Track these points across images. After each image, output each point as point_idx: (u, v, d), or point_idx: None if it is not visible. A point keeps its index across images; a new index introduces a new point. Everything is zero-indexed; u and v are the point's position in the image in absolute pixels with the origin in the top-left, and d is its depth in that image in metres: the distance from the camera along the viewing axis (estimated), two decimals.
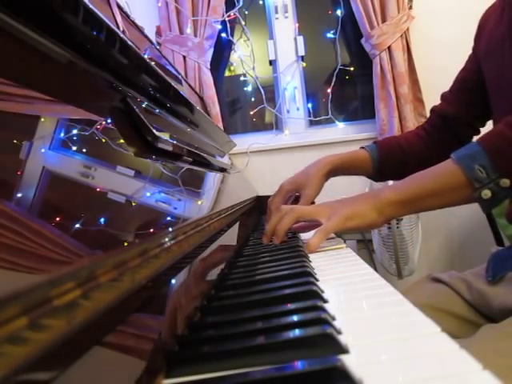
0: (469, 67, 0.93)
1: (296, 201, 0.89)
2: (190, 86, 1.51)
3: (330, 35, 2.08)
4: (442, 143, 0.95)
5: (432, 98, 1.93)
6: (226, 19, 1.96)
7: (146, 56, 0.52)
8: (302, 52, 2.04)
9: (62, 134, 0.33)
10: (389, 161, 0.94)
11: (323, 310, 0.34)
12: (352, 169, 0.94)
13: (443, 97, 0.99)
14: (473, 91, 0.90)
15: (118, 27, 0.65)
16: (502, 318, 0.65)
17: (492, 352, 0.53)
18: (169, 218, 0.43)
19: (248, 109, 2.18)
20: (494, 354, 0.53)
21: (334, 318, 0.33)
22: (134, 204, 0.38)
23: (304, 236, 0.86)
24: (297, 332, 0.29)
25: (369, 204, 0.66)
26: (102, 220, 0.30)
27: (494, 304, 0.71)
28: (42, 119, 0.32)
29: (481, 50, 0.87)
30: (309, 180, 0.86)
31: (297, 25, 2.06)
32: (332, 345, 0.27)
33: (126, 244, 0.31)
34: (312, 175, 0.87)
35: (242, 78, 2.12)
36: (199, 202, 0.59)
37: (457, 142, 0.92)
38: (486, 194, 0.61)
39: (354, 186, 1.68)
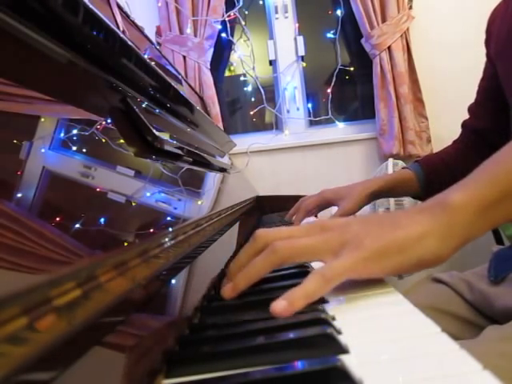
0: (487, 75, 0.92)
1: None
2: (190, 86, 1.51)
3: (330, 35, 2.08)
4: (481, 156, 0.94)
5: (432, 98, 1.93)
6: (226, 19, 1.96)
7: (146, 56, 0.52)
8: (302, 52, 2.04)
9: (62, 134, 0.33)
10: (436, 178, 0.91)
11: (323, 310, 0.34)
12: (399, 190, 0.90)
13: (470, 110, 0.97)
14: (498, 100, 0.88)
15: (118, 27, 0.65)
16: (505, 319, 0.64)
17: (497, 354, 0.53)
18: (169, 218, 0.43)
19: (248, 109, 2.18)
20: (500, 356, 0.52)
21: (333, 318, 0.33)
22: (133, 204, 0.38)
23: None
24: (297, 332, 0.29)
25: (427, 223, 0.37)
26: (102, 220, 0.30)
27: (496, 304, 0.70)
28: (42, 119, 0.32)
29: (491, 52, 0.86)
30: (352, 194, 0.83)
31: (297, 25, 2.06)
32: (332, 345, 0.27)
33: (125, 244, 0.31)
34: (356, 191, 0.84)
35: (242, 78, 2.13)
36: (199, 202, 0.59)
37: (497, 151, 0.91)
38: None
39: (353, 181, 1.68)
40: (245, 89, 2.15)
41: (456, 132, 1.01)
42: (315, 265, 0.55)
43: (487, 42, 0.90)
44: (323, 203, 0.85)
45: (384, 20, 1.86)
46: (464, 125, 0.99)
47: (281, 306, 0.32)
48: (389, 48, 1.86)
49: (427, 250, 0.36)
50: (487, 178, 0.40)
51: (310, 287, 0.34)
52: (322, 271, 0.35)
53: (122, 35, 0.43)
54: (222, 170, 0.93)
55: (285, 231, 0.40)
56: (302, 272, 0.47)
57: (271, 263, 0.37)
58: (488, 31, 0.90)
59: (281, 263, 0.38)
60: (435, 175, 0.91)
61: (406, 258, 0.36)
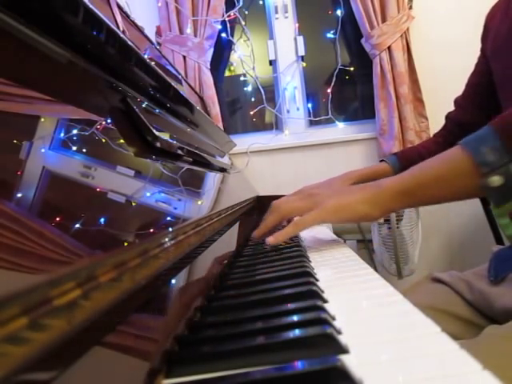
0: (479, 70, 0.92)
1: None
2: (190, 86, 1.51)
3: (330, 35, 2.08)
4: None
5: (432, 98, 1.93)
6: (226, 19, 1.96)
7: (146, 56, 0.52)
8: (302, 52, 2.04)
9: (62, 134, 0.33)
10: None
11: (323, 309, 0.34)
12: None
13: (457, 103, 0.98)
14: (486, 95, 0.89)
15: (118, 27, 0.65)
16: (504, 319, 0.64)
17: (497, 354, 0.53)
18: (169, 218, 0.43)
19: (248, 109, 2.18)
20: (499, 356, 0.52)
21: (334, 318, 0.33)
22: (134, 204, 0.38)
23: (303, 234, 0.86)
24: (297, 332, 0.29)
25: (363, 194, 0.61)
26: (102, 220, 0.30)
27: (495, 304, 0.70)
28: (42, 119, 0.32)
29: (488, 48, 0.86)
30: (331, 187, 0.85)
31: (297, 25, 2.06)
32: (332, 345, 0.27)
33: (126, 244, 0.31)
34: (336, 184, 0.88)
35: (242, 78, 2.12)
36: (199, 202, 0.59)
37: None
38: (495, 180, 0.53)
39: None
40: (245, 89, 2.15)
41: None
42: (315, 265, 0.55)
43: (484, 38, 0.90)
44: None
45: (384, 20, 1.86)
46: (448, 116, 0.99)
47: (270, 239, 0.62)
48: (389, 48, 1.86)
49: (362, 210, 0.60)
50: (408, 174, 0.61)
51: (288, 230, 0.62)
52: (296, 221, 0.62)
53: (122, 35, 0.43)
54: (222, 170, 0.93)
55: (285, 200, 0.69)
56: (300, 272, 0.47)
57: (277, 218, 0.67)
58: (486, 27, 0.90)
59: (281, 218, 0.67)
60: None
61: (350, 213, 0.61)
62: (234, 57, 2.09)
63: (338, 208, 0.61)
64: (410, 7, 1.89)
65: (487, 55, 0.87)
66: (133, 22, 0.81)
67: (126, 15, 0.76)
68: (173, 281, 0.36)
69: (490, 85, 0.86)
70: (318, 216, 0.61)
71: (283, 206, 0.67)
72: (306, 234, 0.89)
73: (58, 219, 0.26)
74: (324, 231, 0.92)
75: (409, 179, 0.60)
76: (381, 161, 0.98)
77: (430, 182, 0.59)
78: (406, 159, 0.94)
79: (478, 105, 0.92)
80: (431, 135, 1.86)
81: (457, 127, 0.96)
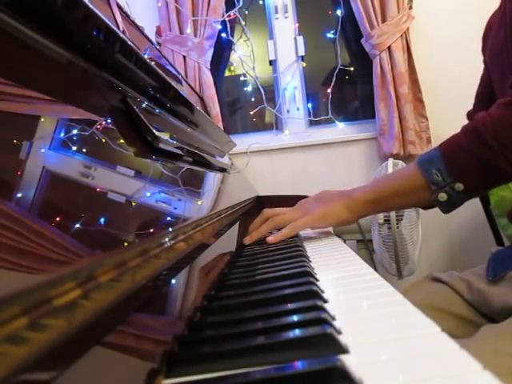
0: (484, 80, 0.93)
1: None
2: (190, 86, 1.51)
3: (330, 35, 2.08)
4: None
5: (432, 98, 1.93)
6: (226, 19, 1.96)
7: (146, 56, 0.52)
8: (302, 52, 2.04)
9: (62, 134, 0.33)
10: None
11: (323, 309, 0.34)
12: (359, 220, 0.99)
13: (469, 115, 1.00)
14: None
15: (118, 27, 0.65)
16: (503, 318, 0.64)
17: (492, 352, 0.53)
18: (169, 218, 0.43)
19: (248, 109, 2.18)
20: (495, 354, 0.53)
21: (334, 318, 0.33)
22: (134, 204, 0.38)
23: (303, 234, 0.86)
24: (297, 332, 0.29)
25: (341, 204, 0.74)
26: (102, 220, 0.30)
27: (494, 304, 0.71)
28: (42, 119, 0.32)
29: (487, 58, 0.88)
30: None
31: (297, 25, 2.06)
32: (332, 345, 0.27)
33: (126, 244, 0.31)
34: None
35: (242, 78, 2.12)
36: (199, 202, 0.59)
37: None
38: (442, 196, 0.65)
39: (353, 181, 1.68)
40: (245, 89, 2.14)
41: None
42: (315, 265, 0.55)
43: (483, 49, 0.92)
44: None
45: (384, 20, 1.86)
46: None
47: (270, 239, 0.73)
48: (389, 48, 1.86)
49: (342, 216, 0.74)
50: (373, 187, 0.75)
51: (285, 232, 0.74)
52: (292, 225, 0.74)
53: (122, 35, 0.43)
54: (222, 169, 0.93)
55: (278, 210, 0.79)
56: (300, 272, 0.47)
57: (270, 227, 0.76)
58: (484, 38, 0.92)
59: (274, 227, 0.76)
60: None
61: (333, 218, 0.74)
62: (234, 57, 2.09)
63: (323, 215, 0.74)
64: (410, 7, 1.89)
65: (487, 65, 0.89)
66: (133, 22, 0.81)
67: (126, 15, 0.76)
68: (173, 281, 0.36)
69: (495, 95, 0.87)
70: (308, 221, 0.75)
71: (277, 217, 0.77)
72: (306, 234, 0.89)
73: (58, 219, 0.26)
74: (324, 231, 0.92)
75: (375, 191, 0.74)
76: None
77: (392, 195, 0.72)
78: None
79: None
80: (431, 135, 1.88)
81: None
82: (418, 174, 0.67)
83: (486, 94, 0.92)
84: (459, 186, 0.64)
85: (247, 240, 0.76)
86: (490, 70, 0.87)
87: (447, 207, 0.67)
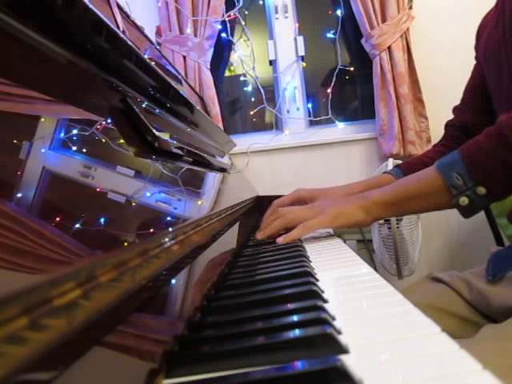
0: (475, 74, 0.93)
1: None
2: (190, 85, 1.51)
3: (330, 35, 2.08)
4: None
5: (432, 98, 1.93)
6: (226, 19, 1.96)
7: (146, 56, 0.52)
8: (302, 52, 2.04)
9: (62, 134, 0.33)
10: None
11: (323, 309, 0.34)
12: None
13: (456, 109, 0.99)
14: (485, 97, 0.90)
15: (118, 27, 0.65)
16: (503, 318, 0.64)
17: (493, 352, 0.53)
18: (169, 218, 0.43)
19: (248, 109, 2.17)
20: (495, 355, 0.53)
21: (334, 318, 0.33)
22: (133, 204, 0.38)
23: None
24: (297, 332, 0.29)
25: (357, 204, 0.72)
26: (102, 220, 0.30)
27: (494, 304, 0.71)
28: (42, 119, 0.32)
29: (481, 56, 0.88)
30: (329, 195, 0.87)
31: (297, 25, 2.06)
32: (332, 345, 0.27)
33: (126, 244, 0.31)
34: (334, 193, 0.88)
35: (242, 78, 2.12)
36: (199, 202, 0.59)
37: None
38: (464, 200, 0.64)
39: (353, 181, 1.68)
40: (245, 89, 2.14)
41: None
42: (315, 265, 0.55)
43: (477, 46, 0.92)
44: (296, 201, 0.88)
45: (384, 20, 1.86)
46: (449, 124, 1.00)
47: (280, 240, 0.72)
48: (389, 48, 1.86)
49: (358, 217, 0.71)
50: (393, 189, 0.73)
51: (296, 233, 0.72)
52: (304, 225, 0.71)
53: (122, 35, 0.43)
54: (222, 170, 0.93)
55: (290, 208, 0.78)
56: (300, 272, 0.47)
57: (282, 224, 0.75)
58: (478, 36, 0.92)
59: (286, 225, 0.75)
60: None
61: (347, 219, 0.71)
62: (234, 57, 2.09)
63: (338, 215, 0.71)
64: (410, 7, 1.89)
65: (481, 62, 0.89)
66: (133, 22, 0.81)
67: (126, 15, 0.76)
68: (173, 281, 0.36)
69: (487, 88, 0.88)
70: (321, 222, 0.72)
71: (289, 214, 0.75)
72: (306, 235, 0.89)
73: (58, 219, 0.26)
74: (324, 231, 0.92)
75: (393, 193, 0.72)
76: (384, 172, 0.99)
77: (410, 197, 0.70)
78: (410, 170, 0.93)
79: (478, 107, 0.93)
80: (431, 135, 1.88)
81: (460, 131, 0.97)
82: (437, 178, 0.66)
83: (477, 87, 0.92)
84: (481, 190, 0.62)
85: (259, 236, 0.75)
86: (484, 67, 0.87)
87: (468, 212, 0.65)
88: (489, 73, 0.85)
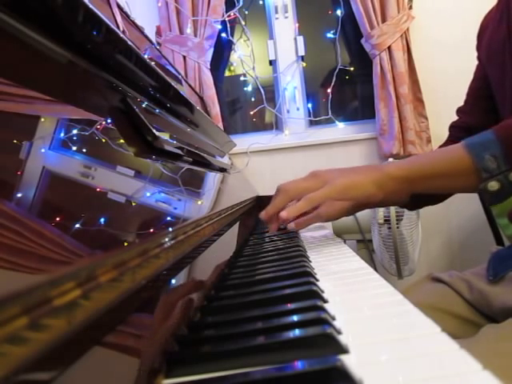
0: (478, 76, 0.92)
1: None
2: (190, 86, 1.51)
3: (330, 35, 2.08)
4: None
5: (432, 98, 1.93)
6: (226, 19, 1.96)
7: (146, 56, 0.52)
8: (302, 52, 2.04)
9: (62, 134, 0.33)
10: None
11: (323, 309, 0.34)
12: (385, 200, 0.88)
13: (460, 111, 0.98)
14: (489, 97, 0.88)
15: (118, 27, 0.65)
16: (503, 318, 0.64)
17: (493, 353, 0.53)
18: (169, 218, 0.43)
19: (248, 109, 2.18)
20: (496, 355, 0.52)
21: (334, 318, 0.33)
22: (134, 204, 0.38)
23: (303, 234, 0.86)
24: (297, 332, 0.29)
25: (369, 176, 0.64)
26: (102, 220, 0.30)
27: (494, 304, 0.71)
28: (42, 119, 0.32)
29: (483, 57, 0.87)
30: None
31: (297, 25, 2.06)
32: (332, 345, 0.27)
33: (126, 244, 0.31)
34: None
35: (242, 78, 2.12)
36: (199, 202, 0.59)
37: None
38: (493, 185, 0.58)
39: None
40: (245, 89, 2.14)
41: None
42: (315, 265, 0.55)
43: (478, 45, 0.91)
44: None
45: (384, 20, 1.86)
46: (453, 125, 0.99)
47: (284, 214, 0.65)
48: (389, 48, 1.86)
49: (369, 190, 0.64)
50: (411, 163, 0.65)
51: (301, 205, 0.64)
52: (308, 197, 0.64)
53: (122, 35, 0.43)
54: (222, 170, 0.93)
55: (293, 182, 0.69)
56: (300, 272, 0.47)
57: (285, 199, 0.67)
58: (479, 37, 0.91)
59: (290, 198, 0.67)
60: None
61: (357, 191, 0.64)
62: (234, 57, 2.09)
63: (347, 186, 0.64)
64: (410, 7, 1.89)
65: (483, 63, 0.88)
66: (133, 21, 0.81)
67: (126, 15, 0.76)
68: (173, 281, 0.36)
69: (491, 89, 0.87)
70: (327, 192, 0.64)
71: (292, 186, 0.68)
72: (306, 234, 0.89)
73: (58, 219, 0.26)
74: (324, 231, 0.92)
75: (413, 169, 0.64)
76: None
77: (433, 175, 0.63)
78: None
79: (482, 108, 0.92)
80: (431, 135, 1.88)
81: (465, 133, 0.95)
82: (466, 158, 0.59)
83: (480, 89, 0.91)
84: None
85: (263, 215, 0.69)
86: (487, 68, 0.86)
87: (496, 198, 0.60)
88: (492, 73, 0.84)
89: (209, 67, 1.91)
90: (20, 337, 0.16)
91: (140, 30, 0.86)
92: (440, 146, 1.02)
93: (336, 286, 0.44)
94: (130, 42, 0.45)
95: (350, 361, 0.25)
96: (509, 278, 0.71)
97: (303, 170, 2.10)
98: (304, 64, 2.07)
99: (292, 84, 2.06)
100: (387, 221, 1.51)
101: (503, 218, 1.41)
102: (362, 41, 1.92)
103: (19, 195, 0.24)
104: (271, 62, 2.09)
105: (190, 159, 0.62)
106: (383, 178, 0.64)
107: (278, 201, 0.68)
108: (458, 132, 0.97)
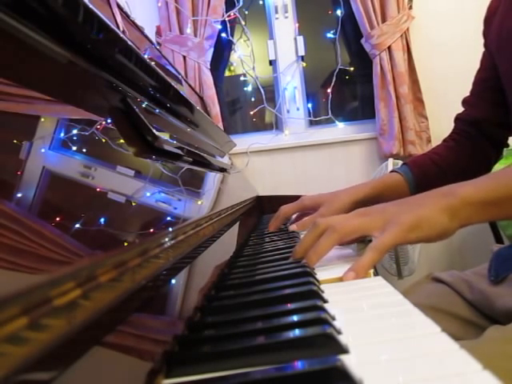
0: (485, 65, 0.89)
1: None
2: (190, 86, 1.51)
3: (330, 35, 2.08)
4: (476, 150, 0.90)
5: (432, 98, 1.93)
6: (226, 19, 1.96)
7: (146, 56, 0.52)
8: (302, 52, 2.04)
9: (62, 134, 0.33)
10: (426, 179, 0.86)
11: (323, 309, 0.34)
12: (387, 195, 0.81)
13: (466, 102, 0.94)
14: (497, 89, 0.84)
15: (118, 27, 0.65)
16: (506, 320, 0.63)
17: (499, 355, 0.52)
18: (169, 218, 0.43)
19: (248, 109, 2.18)
20: (502, 357, 0.51)
21: (333, 318, 0.33)
22: (134, 204, 0.38)
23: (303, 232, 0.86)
24: (297, 332, 0.29)
25: (438, 205, 0.50)
26: (102, 220, 0.30)
27: (496, 304, 0.70)
28: (42, 119, 0.32)
29: (492, 45, 0.83)
30: (333, 201, 0.76)
31: (297, 25, 2.06)
32: (332, 345, 0.27)
33: (126, 244, 0.31)
34: (338, 198, 0.78)
35: (242, 78, 2.13)
36: (199, 202, 0.59)
37: (491, 146, 0.89)
38: None
39: (353, 181, 1.67)
40: (245, 89, 2.14)
41: None
42: (315, 265, 0.55)
43: (486, 33, 0.87)
44: (302, 210, 0.80)
45: (384, 20, 1.86)
46: (458, 117, 0.95)
47: (351, 275, 0.46)
48: (389, 48, 1.86)
49: (442, 224, 0.49)
50: (493, 182, 0.53)
51: (373, 257, 0.47)
52: (375, 245, 0.47)
53: (121, 35, 0.43)
54: (222, 169, 0.93)
55: (338, 217, 0.54)
56: (301, 272, 0.47)
57: (334, 240, 0.50)
58: (487, 21, 0.86)
59: (340, 239, 0.50)
60: (426, 178, 0.87)
61: (429, 229, 0.49)
62: (234, 57, 2.09)
63: (417, 223, 0.49)
64: (410, 7, 1.89)
65: (491, 51, 0.84)
66: (133, 21, 0.81)
67: (126, 15, 0.76)
68: (173, 281, 0.36)
69: (498, 79, 0.83)
70: (398, 235, 0.48)
71: (342, 225, 0.51)
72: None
73: (58, 219, 0.26)
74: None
75: (493, 189, 0.51)
76: (392, 171, 0.92)
77: None
78: (418, 168, 0.88)
79: (490, 100, 0.88)
80: (431, 135, 1.88)
81: (471, 125, 0.91)
82: None
83: (487, 79, 0.88)
84: None
85: (306, 264, 0.50)
86: (496, 57, 0.82)
87: None
88: (502, 62, 0.80)
89: (209, 67, 1.91)
90: (20, 337, 0.16)
91: (140, 30, 0.86)
92: (444, 140, 0.98)
93: (336, 286, 0.44)
94: (129, 42, 0.46)
95: (350, 361, 0.25)
96: (511, 278, 0.71)
97: (303, 169, 2.10)
98: (304, 64, 2.08)
99: (292, 84, 2.06)
100: None
101: None
102: (362, 41, 1.92)
103: (19, 195, 0.24)
104: (271, 62, 2.09)
105: (190, 159, 0.62)
106: (457, 205, 0.50)
107: (324, 247, 0.51)
108: (463, 125, 0.93)
